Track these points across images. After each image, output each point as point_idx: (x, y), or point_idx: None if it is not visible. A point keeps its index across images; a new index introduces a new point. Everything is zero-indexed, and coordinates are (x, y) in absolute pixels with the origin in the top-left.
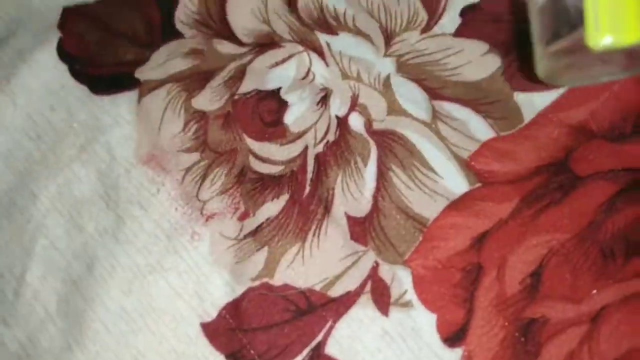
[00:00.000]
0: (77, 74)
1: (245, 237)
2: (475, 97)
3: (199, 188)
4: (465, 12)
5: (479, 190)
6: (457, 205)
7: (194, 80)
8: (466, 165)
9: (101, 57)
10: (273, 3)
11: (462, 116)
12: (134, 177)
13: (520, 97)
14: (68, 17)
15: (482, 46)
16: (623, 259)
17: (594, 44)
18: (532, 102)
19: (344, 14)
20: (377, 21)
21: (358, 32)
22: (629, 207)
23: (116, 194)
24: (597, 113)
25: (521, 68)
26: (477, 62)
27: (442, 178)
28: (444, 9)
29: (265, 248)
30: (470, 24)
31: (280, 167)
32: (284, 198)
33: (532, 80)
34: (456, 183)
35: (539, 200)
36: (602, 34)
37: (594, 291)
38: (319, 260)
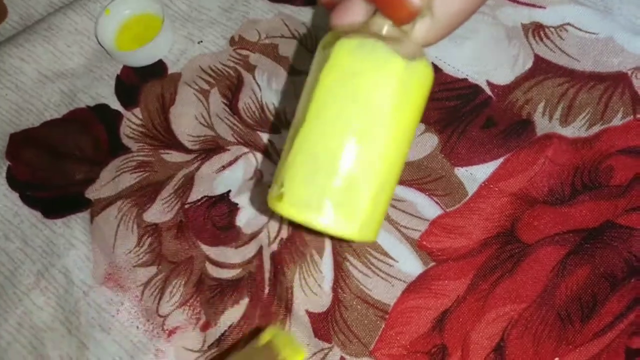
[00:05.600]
0: (29, 200)
1: (209, 347)
2: (418, 176)
3: (159, 302)
4: None
5: (433, 269)
6: (414, 287)
7: (144, 194)
8: (418, 246)
9: (51, 179)
10: (215, 107)
11: (408, 197)
12: (93, 300)
13: (460, 172)
14: (15, 143)
15: (419, 126)
16: (580, 321)
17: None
18: (472, 175)
19: (284, 111)
20: None
21: None
22: (579, 268)
23: (77, 318)
24: (536, 179)
25: (457, 144)
26: (416, 142)
27: (396, 261)
28: None
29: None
30: None
31: (238, 270)
32: (244, 302)
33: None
34: (410, 265)
35: (492, 272)
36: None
37: (556, 359)
38: None
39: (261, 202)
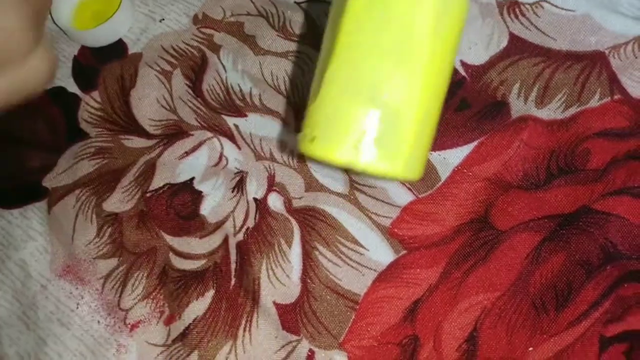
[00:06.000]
0: None
1: (173, 342)
2: None
3: (120, 296)
4: None
5: (404, 257)
6: (385, 276)
7: (103, 182)
8: (389, 234)
9: (7, 168)
10: (177, 89)
11: (379, 183)
12: (51, 293)
13: (433, 156)
14: None
15: None
16: (554, 310)
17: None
18: (446, 160)
19: (250, 93)
20: (285, 96)
21: (266, 111)
22: (554, 255)
23: (35, 313)
24: (510, 163)
25: None
26: None
27: (367, 250)
28: None
29: (195, 352)
30: None
31: (203, 261)
32: (209, 294)
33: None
34: (381, 253)
35: (465, 260)
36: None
37: (530, 348)
38: (253, 356)
39: (226, 189)
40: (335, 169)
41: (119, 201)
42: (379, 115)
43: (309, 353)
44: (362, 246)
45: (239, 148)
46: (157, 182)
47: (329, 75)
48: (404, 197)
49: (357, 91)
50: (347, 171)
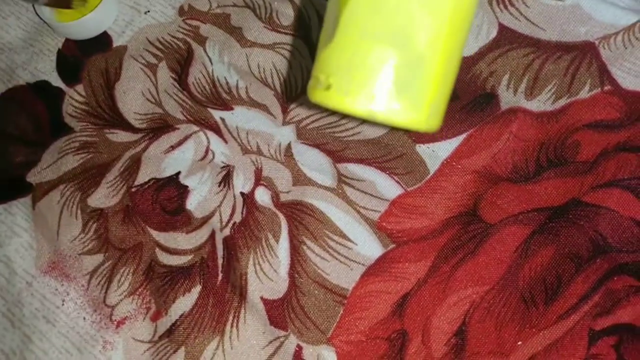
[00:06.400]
0: None
1: (160, 338)
2: (378, 154)
3: (106, 292)
4: None
5: (393, 251)
6: (374, 270)
7: (88, 177)
8: (378, 227)
9: None
10: (163, 82)
11: (368, 176)
12: (36, 290)
13: (422, 149)
14: None
15: None
16: (544, 304)
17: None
18: (435, 153)
19: (237, 86)
20: (272, 89)
21: (253, 104)
22: (543, 248)
23: (20, 310)
24: (500, 156)
25: None
26: None
27: (355, 244)
28: None
29: (182, 348)
30: None
31: (189, 257)
32: (196, 290)
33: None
34: (370, 247)
35: (454, 253)
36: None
37: (519, 342)
38: (241, 352)
39: (213, 183)
40: (321, 162)
41: (104, 196)
42: (401, 60)
43: (297, 348)
44: (350, 240)
45: (226, 142)
46: (143, 176)
47: (346, 16)
48: (393, 191)
49: (378, 33)
50: (335, 166)
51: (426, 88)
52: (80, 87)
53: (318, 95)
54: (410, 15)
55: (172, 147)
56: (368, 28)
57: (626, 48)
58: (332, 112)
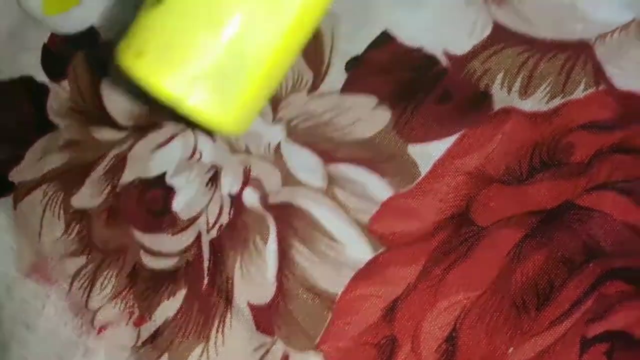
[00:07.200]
0: None
1: (143, 344)
2: (369, 155)
3: (88, 295)
4: (350, 65)
5: (383, 255)
6: (363, 274)
7: (71, 176)
8: (368, 230)
9: None
10: None
11: (358, 177)
12: (16, 294)
13: (414, 150)
14: None
15: (370, 100)
16: (535, 309)
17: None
18: (427, 153)
19: None
20: None
21: None
22: (535, 252)
23: None
24: (492, 157)
25: (411, 119)
26: (367, 117)
27: (345, 247)
28: (328, 65)
29: (166, 355)
30: (356, 78)
31: (175, 260)
32: (181, 294)
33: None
34: (360, 250)
35: (445, 257)
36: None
37: (511, 349)
38: (226, 359)
39: (200, 183)
40: (312, 163)
41: (87, 196)
42: (227, 56)
43: (284, 355)
44: (340, 243)
45: (214, 141)
46: (128, 176)
47: None
48: (384, 193)
49: (210, 20)
50: (325, 166)
51: (245, 92)
52: (65, 83)
53: (126, 59)
54: (250, 12)
55: (159, 146)
56: (201, 10)
57: (622, 46)
58: (324, 112)
